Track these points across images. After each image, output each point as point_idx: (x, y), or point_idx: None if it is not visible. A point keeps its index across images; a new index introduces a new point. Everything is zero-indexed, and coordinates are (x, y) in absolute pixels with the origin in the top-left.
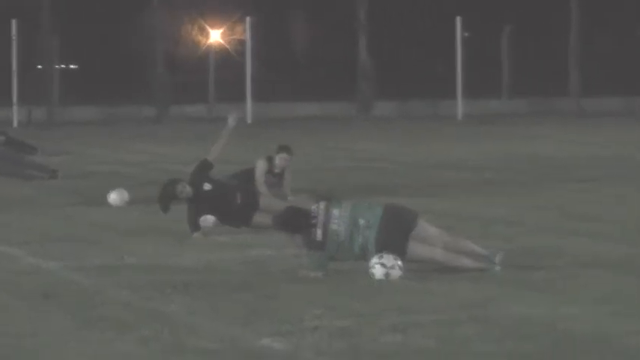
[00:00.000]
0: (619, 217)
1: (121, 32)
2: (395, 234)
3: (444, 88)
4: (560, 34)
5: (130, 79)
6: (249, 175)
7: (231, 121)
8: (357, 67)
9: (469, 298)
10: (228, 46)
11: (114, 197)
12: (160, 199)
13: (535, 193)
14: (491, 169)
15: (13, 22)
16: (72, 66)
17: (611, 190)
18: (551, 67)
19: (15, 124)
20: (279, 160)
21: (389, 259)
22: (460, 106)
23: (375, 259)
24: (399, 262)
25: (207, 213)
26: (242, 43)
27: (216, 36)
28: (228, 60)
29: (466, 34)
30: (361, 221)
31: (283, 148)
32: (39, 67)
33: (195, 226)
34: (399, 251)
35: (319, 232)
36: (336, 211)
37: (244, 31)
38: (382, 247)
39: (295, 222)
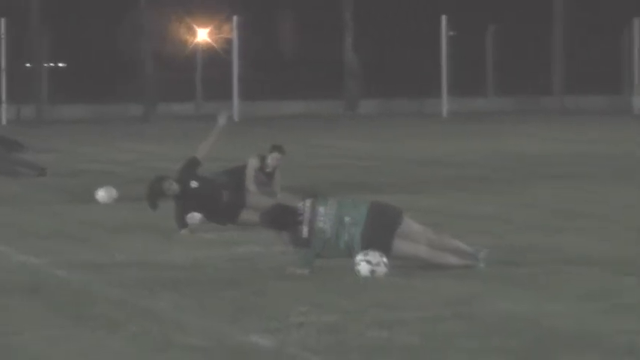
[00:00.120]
0: (603, 213)
1: (109, 31)
2: (380, 231)
3: (430, 86)
4: (544, 33)
5: (118, 77)
6: (240, 171)
7: (221, 119)
8: (343, 65)
9: (454, 294)
10: (215, 45)
11: (102, 195)
12: (148, 197)
13: (520, 190)
14: (477, 166)
15: (2, 21)
16: (60, 64)
17: (595, 187)
18: (536, 65)
19: (4, 121)
20: (272, 159)
21: (374, 257)
22: (445, 104)
23: (360, 257)
24: (385, 260)
25: (194, 210)
26: (229, 41)
27: (203, 35)
28: (215, 59)
29: (451, 33)
30: (347, 219)
31: (276, 148)
32: (28, 65)
33: (182, 223)
34: (385, 248)
35: (305, 230)
36: (322, 209)
37: (231, 30)
38: (368, 245)
39: (282, 219)
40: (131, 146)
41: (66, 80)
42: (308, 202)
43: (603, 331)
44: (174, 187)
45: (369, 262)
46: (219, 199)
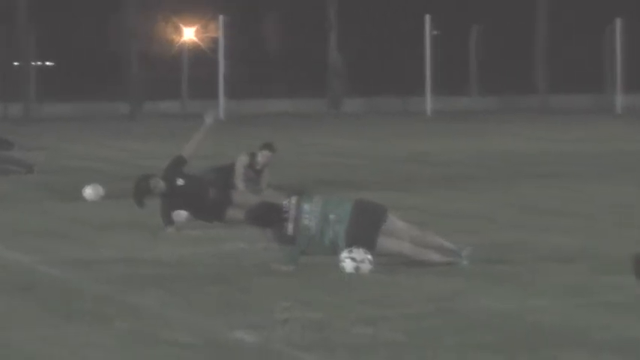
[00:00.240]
0: (587, 212)
1: (96, 30)
2: (365, 228)
3: (414, 85)
4: (528, 32)
5: (105, 76)
6: (228, 169)
7: (208, 118)
8: (328, 64)
9: (437, 291)
10: (201, 44)
11: (89, 192)
12: (135, 194)
13: (503, 188)
14: (461, 165)
15: None
16: (48, 63)
17: (579, 186)
18: (519, 64)
19: None
20: (262, 156)
21: (359, 253)
22: (429, 103)
23: (345, 253)
24: (369, 256)
25: (181, 208)
26: (215, 41)
27: (189, 34)
28: (201, 58)
29: (435, 33)
30: (331, 216)
31: (267, 146)
32: (16, 64)
33: (168, 220)
34: (369, 245)
35: (290, 227)
36: (307, 206)
37: (217, 29)
38: (352, 242)
39: (267, 217)
40: (118, 144)
41: (53, 79)
42: (293, 200)
43: (587, 328)
44: (160, 184)
45: (353, 259)
46: (205, 196)
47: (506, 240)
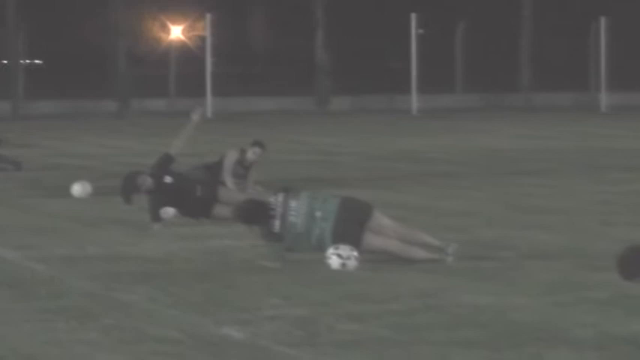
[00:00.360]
0: (568, 209)
1: (83, 28)
2: (350, 226)
3: (400, 83)
4: (512, 31)
5: (92, 74)
6: (217, 166)
7: (195, 116)
8: (315, 63)
9: (422, 287)
10: (188, 43)
11: (77, 189)
12: (122, 191)
13: (487, 185)
14: (445, 162)
15: None
16: (37, 61)
17: (560, 183)
18: (503, 63)
19: None
20: (252, 153)
21: (345, 250)
22: (415, 101)
23: (331, 250)
24: (355, 253)
25: (168, 205)
26: (202, 39)
27: (177, 32)
28: (188, 56)
29: (421, 31)
30: (318, 213)
31: (257, 143)
32: (4, 62)
33: (155, 217)
34: (355, 242)
35: (277, 224)
36: (294, 203)
37: (205, 28)
38: (338, 239)
39: (254, 214)
40: (106, 142)
41: (42, 77)
42: (280, 197)
43: (570, 325)
44: (148, 182)
45: (339, 255)
46: (192, 194)
47: (491, 237)
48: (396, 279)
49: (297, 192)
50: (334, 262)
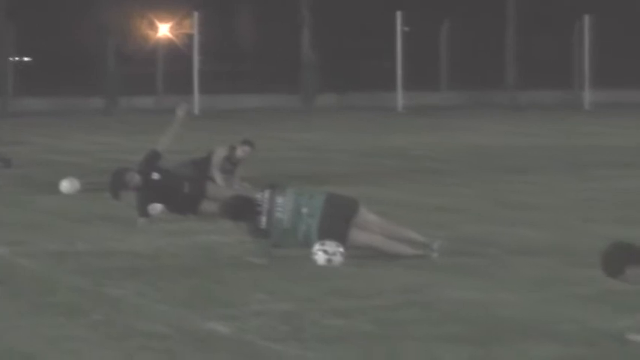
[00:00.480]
0: (553, 205)
1: (71, 26)
2: (336, 222)
3: (385, 80)
4: (497, 29)
5: (80, 71)
6: (205, 162)
7: (180, 111)
8: (301, 60)
9: (408, 283)
10: (176, 40)
11: (65, 185)
12: (110, 188)
13: (472, 182)
14: (431, 159)
15: None
16: (26, 59)
17: (546, 180)
18: (489, 61)
19: None
20: (241, 151)
21: (331, 246)
22: (400, 98)
23: (317, 246)
24: (341, 249)
25: (156, 201)
26: (190, 37)
27: (164, 30)
28: (176, 54)
29: (406, 29)
30: (304, 209)
31: (247, 142)
32: None
33: (143, 213)
34: (341, 238)
35: (264, 220)
36: (280, 200)
37: (192, 26)
38: (324, 235)
39: (241, 210)
40: (94, 138)
41: (31, 74)
42: (267, 193)
43: (556, 320)
44: (136, 178)
45: (325, 251)
46: (180, 190)
47: (476, 233)
48: (382, 275)
49: (283, 188)
50: (320, 257)
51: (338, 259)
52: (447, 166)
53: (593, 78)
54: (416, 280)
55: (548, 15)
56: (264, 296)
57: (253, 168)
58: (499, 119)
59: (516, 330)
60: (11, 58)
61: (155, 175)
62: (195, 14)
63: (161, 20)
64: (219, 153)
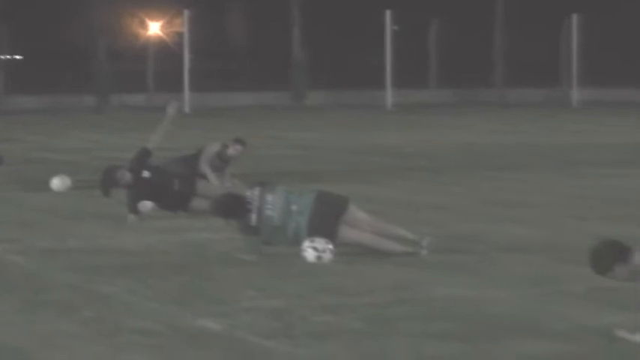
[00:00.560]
0: (542, 203)
1: (64, 24)
2: (326, 219)
3: (375, 78)
4: (486, 28)
5: (72, 69)
6: (195, 159)
7: (171, 109)
8: (291, 58)
9: (397, 280)
10: (166, 39)
11: (56, 183)
12: (101, 185)
13: (462, 179)
14: (419, 156)
15: None
16: (17, 57)
17: (534, 177)
18: (477, 59)
19: None
20: (233, 150)
21: (320, 243)
22: (389, 96)
23: (307, 243)
24: (330, 246)
25: (146, 199)
26: (180, 35)
27: (155, 28)
28: (166, 52)
29: (395, 28)
30: (294, 207)
31: (239, 141)
32: None
33: (133, 210)
34: (330, 236)
35: (254, 217)
36: (270, 197)
37: (182, 24)
38: (314, 232)
39: (231, 208)
40: (85, 136)
41: (22, 72)
42: (257, 191)
43: (544, 317)
44: (127, 176)
45: (315, 248)
46: (170, 188)
47: (465, 230)
48: (371, 272)
49: (273, 186)
50: (310, 254)
51: (327, 257)
52: (436, 164)
53: (581, 76)
54: (405, 278)
55: (536, 13)
56: (255, 293)
57: (244, 165)
58: (488, 117)
59: (505, 327)
60: (3, 57)
61: (146, 173)
62: (186, 12)
63: (152, 18)
64: (211, 149)
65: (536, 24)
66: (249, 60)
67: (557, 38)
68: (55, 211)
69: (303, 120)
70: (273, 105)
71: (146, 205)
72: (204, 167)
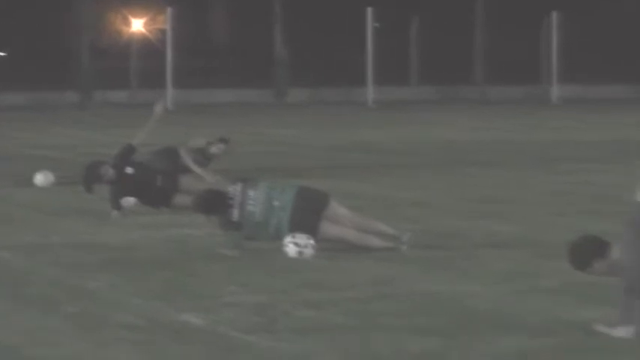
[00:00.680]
0: (521, 199)
1: (46, 21)
2: (307, 215)
3: (356, 75)
4: (467, 25)
5: (55, 66)
6: (172, 153)
7: (158, 108)
8: (273, 55)
9: (378, 275)
10: (149, 36)
11: (40, 179)
12: (84, 181)
13: (441, 176)
14: (401, 153)
15: None
16: (1, 53)
17: (514, 174)
18: (458, 56)
19: None
20: (216, 148)
21: (302, 239)
22: (371, 93)
23: (288, 239)
24: (312, 242)
25: (129, 195)
26: (163, 32)
27: (138, 25)
28: (149, 49)
29: (376, 25)
30: (275, 203)
31: (223, 140)
32: None
33: (116, 206)
34: (311, 231)
35: (235, 213)
36: (252, 193)
37: (165, 22)
38: (295, 228)
39: (213, 204)
40: (68, 133)
41: (5, 69)
42: (239, 186)
43: (522, 312)
44: (110, 172)
45: (296, 244)
46: (152, 184)
47: (445, 226)
48: (353, 267)
49: (255, 182)
50: (291, 250)
51: (309, 252)
52: (417, 160)
53: (561, 73)
54: (386, 273)
55: (516, 12)
56: (237, 288)
57: (225, 161)
58: (468, 114)
59: (485, 321)
60: None
61: (129, 169)
62: (169, 10)
63: (135, 16)
64: (196, 142)
65: (517, 22)
66: (231, 57)
67: (537, 36)
68: (38, 207)
69: (284, 117)
70: (256, 102)
71: (129, 201)
72: (189, 162)
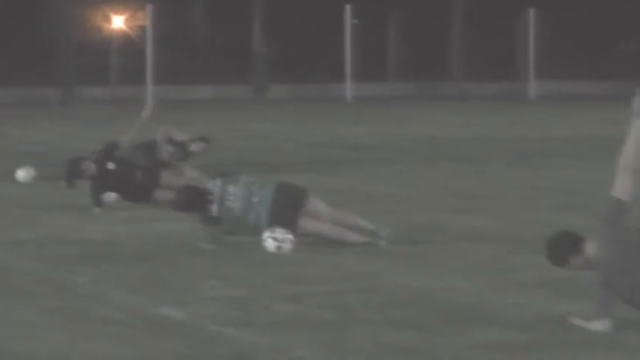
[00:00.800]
0: (498, 194)
1: (27, 17)
2: (286, 210)
3: (335, 71)
4: (444, 21)
5: (36, 62)
6: (151, 148)
7: (145, 112)
8: (253, 52)
9: (356, 270)
10: (130, 32)
11: (21, 174)
12: (66, 176)
13: (420, 171)
14: (379, 148)
15: None
16: None
17: (491, 169)
18: (436, 52)
19: None
20: (196, 146)
21: (280, 233)
22: (350, 89)
23: (267, 233)
24: (290, 236)
25: (110, 190)
26: (143, 29)
27: (118, 22)
28: (130, 45)
29: (355, 21)
30: (255, 199)
31: (203, 138)
32: None
33: (97, 201)
34: (290, 226)
35: (215, 208)
36: (231, 188)
37: (146, 18)
38: (274, 222)
39: (192, 201)
40: (50, 128)
41: None
42: (218, 182)
43: (499, 305)
44: (91, 167)
45: (275, 238)
46: (133, 179)
47: (423, 221)
48: (331, 262)
49: (235, 177)
50: (270, 244)
51: (287, 246)
52: (395, 156)
53: (538, 70)
54: (365, 267)
55: (494, 8)
56: (217, 282)
57: (206, 157)
58: (446, 110)
59: (462, 315)
60: None
61: (110, 165)
62: (149, 7)
63: (115, 12)
64: (178, 135)
65: (494, 19)
66: (211, 54)
67: (514, 33)
68: (21, 202)
69: (264, 112)
70: (235, 98)
71: (110, 196)
72: (189, 172)
